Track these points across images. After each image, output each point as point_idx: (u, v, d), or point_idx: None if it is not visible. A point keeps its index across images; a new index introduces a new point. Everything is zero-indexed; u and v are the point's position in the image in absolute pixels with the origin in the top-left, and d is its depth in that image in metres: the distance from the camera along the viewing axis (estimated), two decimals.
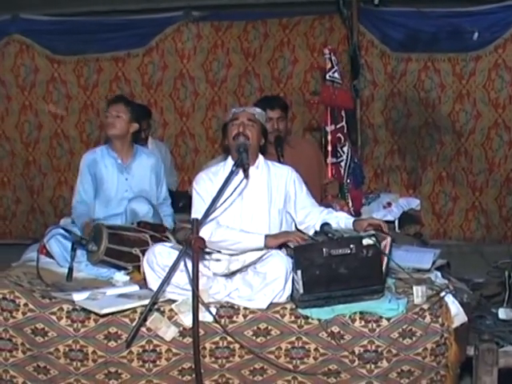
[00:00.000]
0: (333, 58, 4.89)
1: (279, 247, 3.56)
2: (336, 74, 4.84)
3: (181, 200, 5.13)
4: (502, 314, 3.82)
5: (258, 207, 3.71)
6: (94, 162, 4.38)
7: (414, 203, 5.19)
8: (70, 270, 3.87)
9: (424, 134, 6.77)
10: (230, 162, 3.78)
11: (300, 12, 6.84)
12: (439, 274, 3.93)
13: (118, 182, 4.38)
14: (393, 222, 5.21)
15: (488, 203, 6.69)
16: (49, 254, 4.16)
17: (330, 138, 4.82)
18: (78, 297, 3.45)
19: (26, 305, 3.44)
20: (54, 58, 6.89)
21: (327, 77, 4.92)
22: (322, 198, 4.66)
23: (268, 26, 6.87)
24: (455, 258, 4.72)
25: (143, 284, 3.66)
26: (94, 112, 6.99)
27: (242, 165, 3.43)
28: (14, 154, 7.04)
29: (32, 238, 6.88)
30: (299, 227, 3.76)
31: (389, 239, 3.45)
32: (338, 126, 4.83)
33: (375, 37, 6.77)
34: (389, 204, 4.93)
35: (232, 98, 6.97)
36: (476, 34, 6.26)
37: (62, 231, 3.98)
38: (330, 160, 4.84)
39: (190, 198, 5.36)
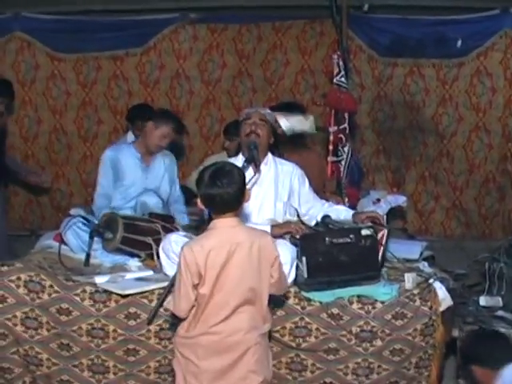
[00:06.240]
0: (340, 63, 5.09)
1: (283, 236, 3.86)
2: (343, 79, 5.04)
3: None
4: (483, 301, 4.15)
5: (265, 200, 4.00)
6: (116, 158, 4.57)
7: (401, 200, 5.48)
8: (88, 255, 4.10)
9: (408, 136, 7.00)
10: (240, 158, 4.05)
11: (292, 16, 7.06)
12: (426, 263, 4.24)
13: (139, 180, 4.61)
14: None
15: (468, 202, 6.94)
16: (63, 242, 4.31)
17: (332, 138, 5.04)
18: (100, 279, 3.72)
19: (51, 286, 3.68)
20: (54, 56, 6.96)
21: (334, 81, 5.11)
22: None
23: (261, 30, 7.06)
24: (438, 253, 4.92)
25: (157, 269, 3.95)
26: (92, 108, 7.10)
27: (254, 161, 3.74)
28: (14, 148, 7.03)
29: (28, 230, 7.09)
30: (302, 219, 4.08)
31: (385, 231, 3.79)
32: (340, 128, 5.04)
33: (363, 42, 6.99)
34: (378, 200, 5.18)
35: (226, 97, 7.15)
36: (459, 42, 6.55)
37: (82, 219, 4.23)
38: (330, 158, 5.06)
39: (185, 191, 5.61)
